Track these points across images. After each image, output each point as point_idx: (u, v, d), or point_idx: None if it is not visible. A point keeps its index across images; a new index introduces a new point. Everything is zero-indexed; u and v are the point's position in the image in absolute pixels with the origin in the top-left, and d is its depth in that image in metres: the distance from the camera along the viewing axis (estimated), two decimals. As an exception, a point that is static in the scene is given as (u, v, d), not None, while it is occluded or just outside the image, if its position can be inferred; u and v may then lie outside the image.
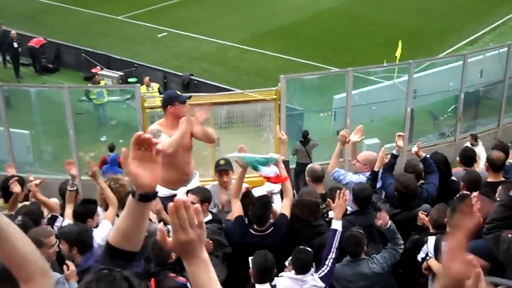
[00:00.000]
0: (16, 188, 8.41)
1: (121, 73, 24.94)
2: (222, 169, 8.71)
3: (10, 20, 30.08)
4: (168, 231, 2.61)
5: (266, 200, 7.40)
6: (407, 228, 7.96)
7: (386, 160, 8.96)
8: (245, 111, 15.03)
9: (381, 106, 17.28)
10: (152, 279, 6.23)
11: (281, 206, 7.69)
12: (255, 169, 7.67)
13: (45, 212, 8.62)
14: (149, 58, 27.11)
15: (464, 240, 2.50)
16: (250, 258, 6.56)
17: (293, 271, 6.78)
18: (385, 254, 7.36)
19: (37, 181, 8.66)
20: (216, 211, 8.35)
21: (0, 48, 27.28)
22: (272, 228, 7.37)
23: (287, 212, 7.58)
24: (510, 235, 6.17)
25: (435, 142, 17.45)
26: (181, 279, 6.12)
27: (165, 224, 6.90)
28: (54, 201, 9.12)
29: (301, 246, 6.89)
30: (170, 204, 2.49)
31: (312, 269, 6.78)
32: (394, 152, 9.08)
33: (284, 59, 27.16)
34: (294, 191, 8.78)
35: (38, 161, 17.27)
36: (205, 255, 2.58)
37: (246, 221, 7.56)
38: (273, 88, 15.22)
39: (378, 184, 8.88)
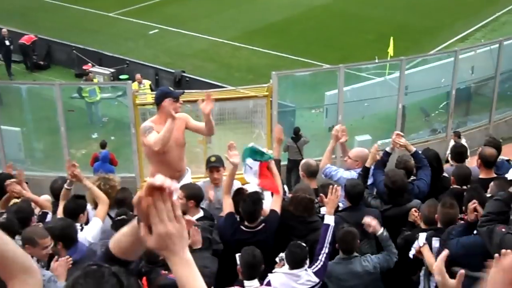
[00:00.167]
0: (11, 187, 8.42)
1: (112, 70, 24.87)
2: (213, 166, 8.70)
3: (1, 18, 30.00)
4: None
5: (257, 197, 7.39)
6: (397, 224, 7.97)
7: (378, 157, 8.97)
8: (237, 108, 15.03)
9: (372, 103, 17.32)
10: (144, 278, 6.22)
11: (272, 203, 7.69)
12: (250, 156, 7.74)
13: (37, 209, 8.62)
14: (140, 55, 27.07)
15: None
16: (237, 255, 6.55)
17: (286, 267, 6.79)
18: (380, 256, 7.38)
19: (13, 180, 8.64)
20: (206, 205, 8.33)
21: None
22: (263, 224, 7.37)
23: (277, 209, 7.58)
24: (503, 230, 6.20)
25: (426, 139, 17.52)
26: (173, 276, 6.09)
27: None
28: (45, 198, 9.11)
29: (294, 241, 6.89)
30: (146, 185, 2.47)
31: (306, 265, 6.78)
32: (387, 149, 9.08)
33: (276, 56, 27.17)
34: (286, 188, 8.79)
35: (30, 158, 17.25)
36: (188, 256, 2.57)
37: (238, 218, 7.55)
38: (265, 85, 15.21)
39: (370, 181, 8.89)
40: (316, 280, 6.78)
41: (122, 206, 7.96)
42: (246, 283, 6.35)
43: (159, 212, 2.47)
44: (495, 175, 8.45)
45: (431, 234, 7.17)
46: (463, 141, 13.31)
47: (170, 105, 8.45)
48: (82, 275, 2.52)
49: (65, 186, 8.21)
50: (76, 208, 7.80)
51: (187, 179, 8.91)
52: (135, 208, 2.61)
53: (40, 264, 6.43)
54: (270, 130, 14.43)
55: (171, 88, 9.10)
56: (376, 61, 18.81)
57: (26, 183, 9.13)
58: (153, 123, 8.58)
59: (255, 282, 6.32)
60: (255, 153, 7.91)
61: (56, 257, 6.52)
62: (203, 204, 8.29)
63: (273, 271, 6.84)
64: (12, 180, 8.63)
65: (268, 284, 6.65)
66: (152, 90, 20.89)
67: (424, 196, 8.53)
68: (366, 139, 15.83)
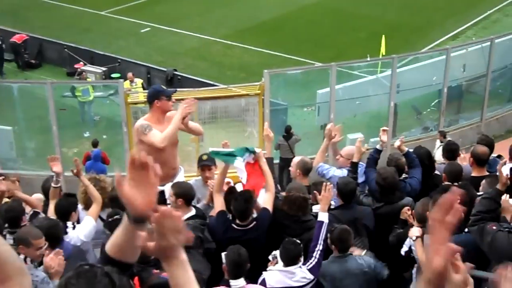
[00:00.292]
0: (2, 186, 8.38)
1: (104, 69, 24.83)
2: (205, 164, 8.71)
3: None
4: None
5: (248, 195, 7.38)
6: (389, 221, 7.99)
7: (364, 150, 9.00)
8: (229, 106, 15.04)
9: (364, 101, 17.33)
10: (136, 278, 6.20)
11: (263, 201, 7.68)
12: (228, 161, 7.72)
13: (28, 208, 8.61)
14: (132, 54, 27.02)
15: (446, 234, 2.50)
16: (223, 254, 6.55)
17: (281, 264, 6.79)
18: (377, 264, 7.40)
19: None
20: (201, 205, 8.33)
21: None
22: (254, 222, 7.37)
23: (269, 206, 7.58)
24: (494, 227, 6.23)
25: (418, 137, 17.54)
26: (165, 275, 6.07)
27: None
28: (38, 197, 9.10)
29: (289, 238, 6.90)
30: (155, 214, 2.49)
31: (300, 262, 6.79)
32: (377, 147, 9.11)
33: (268, 54, 27.17)
34: (279, 187, 8.78)
35: (21, 157, 17.20)
36: (183, 256, 2.60)
37: (230, 216, 7.55)
38: (256, 83, 15.23)
39: (362, 179, 8.91)
40: (311, 277, 6.80)
41: (116, 203, 7.95)
42: (232, 282, 6.34)
43: (165, 229, 2.50)
44: (487, 173, 8.47)
45: (423, 231, 7.19)
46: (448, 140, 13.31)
47: (167, 104, 8.49)
48: (75, 275, 2.52)
49: (52, 185, 8.20)
50: (68, 206, 7.80)
51: (180, 177, 8.91)
52: (118, 191, 2.63)
53: (33, 264, 6.41)
54: (262, 129, 14.44)
55: (164, 87, 9.08)
56: (368, 59, 18.82)
57: (18, 181, 9.12)
58: (148, 121, 8.57)
59: (241, 281, 6.31)
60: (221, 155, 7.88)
61: (47, 252, 6.51)
62: (199, 204, 8.29)
63: (268, 269, 6.84)
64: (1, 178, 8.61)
65: (263, 282, 6.66)
66: (144, 88, 20.88)
67: (416, 194, 8.56)
68: (358, 137, 15.80)
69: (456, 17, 30.64)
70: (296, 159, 9.05)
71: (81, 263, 2.62)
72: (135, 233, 2.79)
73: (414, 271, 7.44)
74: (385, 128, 9.53)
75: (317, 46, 27.60)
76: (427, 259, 2.70)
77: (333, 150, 9.81)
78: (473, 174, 8.50)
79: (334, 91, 15.86)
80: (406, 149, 9.12)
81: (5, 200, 8.50)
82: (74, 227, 7.69)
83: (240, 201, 7.29)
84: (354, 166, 8.82)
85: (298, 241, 6.84)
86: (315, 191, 7.83)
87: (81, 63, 25.50)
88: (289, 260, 6.72)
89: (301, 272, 6.75)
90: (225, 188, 7.98)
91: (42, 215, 8.21)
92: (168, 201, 7.58)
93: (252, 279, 6.65)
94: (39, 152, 17.33)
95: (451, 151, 9.42)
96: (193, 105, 8.58)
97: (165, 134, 8.24)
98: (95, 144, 15.83)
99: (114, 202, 8.00)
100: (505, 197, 6.68)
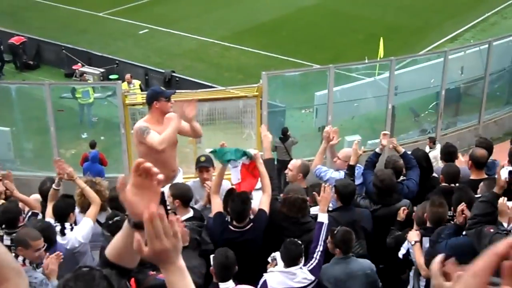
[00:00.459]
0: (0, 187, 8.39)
1: (102, 70, 24.85)
2: (203, 165, 8.69)
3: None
4: None
5: (245, 196, 7.38)
6: (387, 224, 8.00)
7: (361, 152, 9.00)
8: (226, 108, 15.03)
9: (362, 103, 17.35)
10: (132, 279, 6.19)
11: (260, 202, 7.66)
12: (226, 161, 7.68)
13: (26, 209, 8.60)
14: (130, 55, 27.02)
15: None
16: (211, 256, 6.54)
17: (281, 265, 6.79)
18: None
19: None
20: (198, 206, 8.33)
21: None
22: (251, 224, 7.37)
23: (266, 208, 7.57)
24: (491, 230, 6.23)
25: (416, 139, 17.55)
26: (161, 276, 6.06)
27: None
28: (35, 197, 9.08)
29: (290, 239, 6.89)
30: (145, 214, 2.47)
31: (301, 263, 6.79)
32: (377, 150, 9.12)
33: (266, 56, 27.18)
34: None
35: (19, 158, 17.18)
36: (181, 262, 2.57)
37: (228, 218, 7.54)
38: (254, 85, 15.22)
39: (359, 181, 8.91)
40: (312, 278, 6.80)
41: (115, 204, 7.95)
42: (221, 285, 6.33)
43: (156, 229, 2.47)
44: (486, 176, 8.47)
45: (421, 233, 7.21)
46: (438, 147, 13.28)
47: (166, 105, 8.49)
48: (73, 277, 2.51)
49: (53, 186, 8.18)
50: (66, 207, 7.81)
51: (179, 179, 8.91)
52: (121, 195, 2.63)
53: (32, 266, 6.41)
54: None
55: (162, 88, 9.07)
56: (366, 61, 18.84)
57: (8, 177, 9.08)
58: (148, 123, 8.56)
59: (230, 283, 6.31)
60: (231, 155, 7.83)
61: (47, 254, 6.52)
62: (197, 205, 8.29)
63: (268, 270, 6.85)
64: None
65: (264, 284, 6.65)
66: (142, 90, 20.87)
67: (413, 196, 8.57)
68: (355, 139, 15.84)
69: (454, 20, 30.66)
70: (296, 162, 9.03)
71: (80, 265, 2.62)
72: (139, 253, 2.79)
73: (411, 273, 7.45)
74: (385, 132, 9.54)
75: (315, 48, 27.61)
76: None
77: (330, 152, 9.79)
78: (471, 177, 8.50)
79: (332, 93, 15.87)
80: (402, 150, 9.13)
81: (1, 201, 8.50)
82: (72, 228, 7.69)
83: (237, 202, 7.28)
84: (351, 169, 8.82)
85: (299, 242, 6.84)
86: (314, 192, 7.83)
87: (79, 64, 25.51)
88: (290, 261, 6.72)
89: (302, 273, 6.76)
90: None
91: (40, 215, 8.21)
92: (167, 203, 7.57)
93: (249, 281, 6.64)
94: (37, 153, 17.35)
95: (449, 154, 9.42)
96: (195, 106, 8.56)
97: (163, 137, 8.23)
98: (92, 145, 15.82)
99: (113, 202, 8.01)
100: (502, 200, 6.69)
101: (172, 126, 8.24)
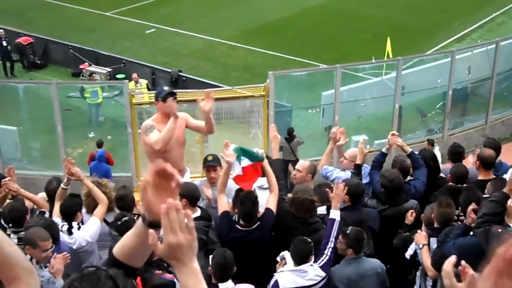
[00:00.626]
0: (14, 185, 8.40)
1: (109, 69, 24.89)
2: (210, 165, 8.70)
3: (-2, 17, 30.03)
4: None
5: (254, 197, 7.38)
6: (394, 224, 7.98)
7: (366, 151, 8.99)
8: (233, 108, 15.03)
9: (369, 103, 17.32)
10: (138, 278, 6.19)
11: (267, 201, 7.66)
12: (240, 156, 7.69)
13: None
14: (137, 54, 27.05)
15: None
16: (210, 257, 6.54)
17: (291, 264, 6.79)
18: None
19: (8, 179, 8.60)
20: (203, 204, 8.32)
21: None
22: (258, 223, 7.37)
23: (273, 207, 7.57)
24: (500, 230, 6.21)
25: (423, 139, 17.46)
26: (168, 276, 6.09)
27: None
28: (42, 195, 9.09)
29: (300, 237, 6.89)
30: (162, 205, 2.48)
31: (311, 260, 6.79)
32: (383, 150, 9.10)
33: (272, 56, 27.15)
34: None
35: (26, 157, 17.21)
36: (196, 265, 2.57)
37: (235, 217, 7.54)
38: (261, 85, 15.21)
39: (365, 181, 8.89)
40: (323, 274, 6.81)
41: (122, 203, 7.97)
42: (220, 285, 6.33)
43: (172, 222, 2.47)
44: (493, 176, 8.44)
45: (429, 234, 7.19)
46: (436, 149, 13.21)
47: (163, 106, 8.52)
48: (78, 277, 2.51)
49: (62, 185, 8.19)
50: (73, 207, 7.82)
51: (186, 179, 8.92)
52: (141, 194, 2.64)
53: (39, 264, 6.42)
54: (267, 130, 14.45)
55: (165, 88, 9.06)
56: (373, 61, 18.81)
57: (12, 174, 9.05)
58: (154, 122, 8.61)
59: (229, 283, 6.31)
60: (244, 152, 7.85)
61: (54, 253, 6.53)
62: (202, 203, 8.29)
63: (278, 270, 6.85)
64: (7, 178, 8.60)
65: (276, 284, 6.65)
66: (149, 89, 20.90)
67: (420, 196, 8.55)
68: (362, 139, 15.83)
69: (461, 19, 30.59)
70: (304, 163, 9.00)
71: (86, 265, 2.62)
72: (148, 238, 2.79)
73: (418, 273, 7.44)
74: (394, 132, 9.51)
75: (322, 47, 27.58)
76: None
77: (338, 152, 9.80)
78: (479, 177, 8.46)
79: (338, 93, 15.84)
80: (409, 149, 9.11)
81: (8, 201, 8.51)
82: (79, 228, 7.69)
83: (248, 204, 7.26)
84: (357, 168, 8.81)
85: (309, 240, 6.84)
86: (327, 189, 7.82)
87: (86, 63, 25.56)
88: (301, 259, 6.73)
89: (313, 270, 6.76)
90: None
91: (48, 214, 8.22)
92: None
93: (256, 280, 6.65)
94: (44, 152, 17.37)
95: (456, 154, 9.39)
96: (212, 100, 8.54)
97: (159, 137, 8.28)
98: (99, 145, 15.83)
99: (120, 201, 8.02)
100: (511, 202, 6.65)
101: (168, 127, 8.27)
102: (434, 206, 7.52)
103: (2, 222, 7.55)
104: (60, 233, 7.55)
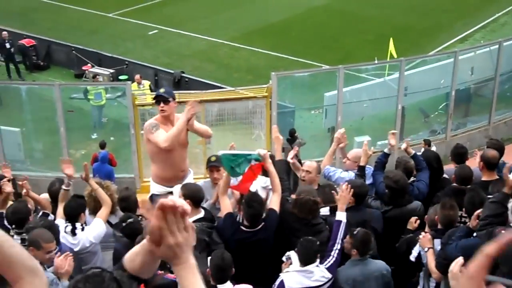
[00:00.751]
0: (8, 188, 8.40)
1: (112, 71, 24.89)
2: (213, 165, 8.72)
3: (0, 18, 30.02)
4: None
5: (261, 199, 7.39)
6: (398, 225, 7.97)
7: (370, 153, 9.00)
8: (236, 109, 15.03)
9: (372, 104, 17.29)
10: (140, 278, 6.19)
11: (270, 201, 7.66)
12: (232, 170, 7.62)
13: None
14: (140, 56, 27.06)
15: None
16: (208, 258, 6.53)
17: (297, 264, 6.78)
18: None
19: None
20: (207, 205, 8.32)
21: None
22: (262, 223, 7.36)
23: (276, 207, 7.57)
24: (503, 231, 6.20)
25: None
26: (170, 276, 6.08)
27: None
28: (44, 196, 9.11)
29: (305, 237, 6.89)
30: (157, 205, 2.47)
31: (317, 261, 6.79)
32: (385, 150, 9.10)
33: (275, 57, 27.16)
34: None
35: (29, 158, 17.22)
36: (193, 260, 2.58)
37: (239, 219, 7.54)
38: (264, 86, 15.21)
39: (369, 181, 8.90)
40: (329, 275, 6.82)
41: (126, 204, 7.98)
42: (219, 287, 6.33)
43: (170, 225, 2.47)
44: (497, 177, 8.43)
45: (432, 235, 7.19)
46: (433, 149, 13.22)
47: (159, 108, 8.56)
48: (83, 279, 2.52)
49: (63, 187, 8.20)
50: (77, 208, 7.83)
51: (189, 180, 8.93)
52: (158, 222, 2.60)
53: (43, 266, 6.42)
54: (270, 131, 14.45)
55: (161, 90, 9.05)
56: (376, 62, 18.79)
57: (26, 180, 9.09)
58: (157, 121, 8.64)
59: (228, 285, 6.31)
60: (234, 158, 7.74)
61: (58, 253, 6.54)
62: (206, 204, 8.29)
63: (284, 270, 6.84)
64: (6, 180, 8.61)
65: (281, 284, 6.65)
66: (151, 90, 20.87)
67: (424, 197, 8.55)
68: (365, 140, 15.81)
69: (464, 20, 30.57)
70: (312, 164, 8.99)
71: (92, 266, 2.62)
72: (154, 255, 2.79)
73: (421, 273, 7.44)
74: (393, 131, 9.52)
75: (324, 48, 27.59)
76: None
77: (341, 153, 9.82)
78: (483, 178, 8.45)
79: (341, 94, 15.82)
80: (413, 151, 9.11)
81: (10, 202, 8.52)
82: (83, 229, 7.70)
83: (256, 207, 7.25)
84: (361, 170, 8.82)
85: (315, 239, 6.84)
86: (332, 191, 7.83)
87: (89, 65, 25.57)
88: (307, 259, 6.73)
89: (320, 271, 6.77)
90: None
91: (52, 217, 8.23)
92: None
93: (260, 281, 6.66)
94: (47, 154, 17.37)
95: (459, 155, 9.37)
96: (197, 106, 8.58)
97: (168, 135, 8.32)
98: (102, 146, 15.83)
99: (123, 202, 8.04)
100: (513, 202, 6.65)
101: (177, 125, 8.31)
102: (437, 207, 7.51)
103: (6, 223, 7.56)
104: (64, 234, 7.57)
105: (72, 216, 7.72)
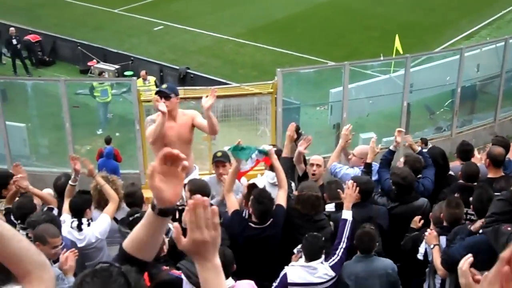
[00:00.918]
0: (25, 182, 8.40)
1: (117, 67, 24.93)
2: (219, 160, 8.73)
3: (6, 14, 30.07)
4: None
5: (269, 194, 7.40)
6: (404, 222, 7.97)
7: (378, 150, 9.01)
8: (241, 105, 15.00)
9: (377, 100, 17.24)
10: (145, 273, 6.18)
11: (277, 197, 7.66)
12: (244, 156, 7.66)
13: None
14: (145, 52, 27.09)
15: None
16: None
17: (302, 259, 6.78)
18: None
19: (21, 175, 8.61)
20: (215, 202, 8.32)
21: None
22: (271, 219, 7.36)
23: (283, 203, 7.58)
24: (509, 229, 6.20)
25: (431, 137, 17.42)
26: (175, 272, 6.09)
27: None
28: (47, 191, 9.11)
29: (311, 232, 6.89)
30: (190, 201, 2.50)
31: (322, 257, 6.78)
32: (391, 147, 9.10)
33: (280, 53, 27.15)
34: (293, 185, 8.79)
35: (35, 154, 17.22)
36: (217, 261, 2.58)
37: (246, 215, 7.55)
38: (269, 82, 15.18)
39: (374, 178, 8.89)
40: (333, 274, 6.81)
41: (131, 200, 7.99)
42: None
43: (198, 219, 2.48)
44: (503, 174, 8.42)
45: (438, 232, 7.18)
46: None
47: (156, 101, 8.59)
48: (90, 273, 2.52)
49: (70, 182, 8.22)
50: (83, 203, 7.85)
51: (194, 176, 8.92)
52: (149, 182, 2.69)
53: (49, 261, 6.43)
54: (275, 127, 14.46)
55: (164, 86, 9.09)
56: (381, 58, 18.75)
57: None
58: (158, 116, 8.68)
59: (230, 280, 6.31)
60: (239, 149, 7.78)
61: (64, 250, 6.55)
62: (213, 200, 8.30)
63: (290, 264, 6.86)
64: (18, 175, 8.60)
65: (284, 277, 6.66)
66: (157, 86, 20.87)
67: (429, 194, 8.54)
68: (370, 136, 15.74)
69: (470, 17, 30.51)
70: (321, 158, 9.06)
71: (100, 261, 2.63)
72: (158, 227, 2.82)
73: (427, 270, 7.44)
74: (400, 129, 9.51)
75: (330, 45, 27.56)
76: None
77: (343, 151, 9.83)
78: (489, 175, 8.44)
79: (347, 90, 15.79)
80: (418, 148, 9.11)
81: (17, 198, 8.54)
82: (89, 224, 7.72)
83: (266, 203, 7.26)
84: (368, 167, 8.83)
85: (320, 235, 6.83)
86: (338, 190, 7.84)
87: (94, 60, 25.60)
88: (312, 254, 6.73)
89: (323, 268, 6.77)
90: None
91: (56, 211, 8.24)
92: (184, 198, 7.58)
93: (268, 276, 6.66)
94: (52, 149, 17.38)
95: (465, 152, 9.37)
96: (214, 98, 8.54)
97: (149, 130, 8.42)
98: (108, 141, 15.83)
99: (129, 198, 8.05)
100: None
101: (157, 121, 8.34)
102: (442, 204, 7.51)
103: (12, 218, 7.58)
104: (70, 229, 7.59)
105: (78, 212, 7.74)
